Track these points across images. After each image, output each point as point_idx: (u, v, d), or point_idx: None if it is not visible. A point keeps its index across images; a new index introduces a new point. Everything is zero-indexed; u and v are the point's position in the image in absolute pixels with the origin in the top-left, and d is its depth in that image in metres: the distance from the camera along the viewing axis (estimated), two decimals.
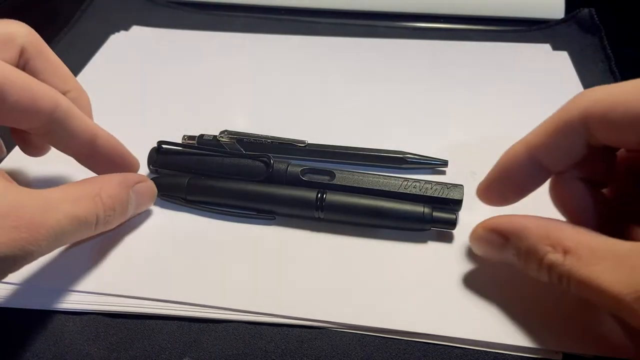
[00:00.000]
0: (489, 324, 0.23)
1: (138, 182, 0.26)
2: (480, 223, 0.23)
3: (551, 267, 0.20)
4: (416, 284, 0.25)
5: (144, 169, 0.30)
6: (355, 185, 0.28)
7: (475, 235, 0.24)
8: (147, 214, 0.29)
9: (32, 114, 0.23)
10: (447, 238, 0.27)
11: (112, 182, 0.25)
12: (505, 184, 0.23)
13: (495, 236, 0.22)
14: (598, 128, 0.19)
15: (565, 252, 0.19)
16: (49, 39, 0.43)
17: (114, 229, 0.26)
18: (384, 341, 0.23)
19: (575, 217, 0.23)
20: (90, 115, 0.29)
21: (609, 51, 0.41)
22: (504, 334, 0.22)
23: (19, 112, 0.23)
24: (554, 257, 0.20)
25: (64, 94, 0.26)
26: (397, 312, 0.24)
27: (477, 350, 0.22)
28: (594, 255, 0.19)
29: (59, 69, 0.27)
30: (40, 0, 0.51)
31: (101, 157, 0.27)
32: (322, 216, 0.27)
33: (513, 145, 0.22)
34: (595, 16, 0.44)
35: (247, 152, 0.30)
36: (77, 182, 0.24)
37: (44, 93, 0.23)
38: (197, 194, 0.29)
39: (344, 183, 0.28)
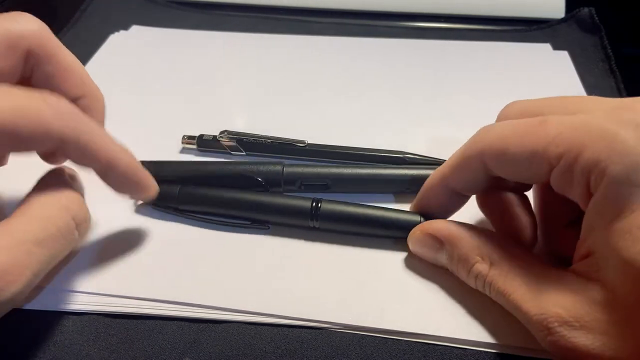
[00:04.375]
0: (489, 325, 0.23)
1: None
2: (420, 225, 0.25)
3: (477, 276, 0.22)
4: (416, 285, 0.25)
5: None
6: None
7: (414, 237, 0.25)
8: (144, 216, 0.28)
9: (41, 144, 0.21)
10: None
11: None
12: (430, 206, 0.26)
13: (432, 240, 0.24)
14: (493, 166, 0.22)
15: (491, 264, 0.22)
16: None
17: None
18: (384, 342, 0.23)
19: (499, 225, 0.25)
20: (102, 122, 0.27)
21: (609, 51, 0.41)
22: (504, 335, 0.22)
23: (30, 144, 0.21)
24: (481, 267, 0.22)
25: (76, 100, 0.25)
26: (396, 313, 0.23)
27: (477, 350, 0.22)
28: (512, 271, 0.21)
29: (71, 73, 0.25)
30: (40, 0, 0.50)
31: (114, 181, 0.24)
32: (317, 225, 0.27)
33: (432, 174, 0.25)
34: (595, 16, 0.44)
35: (239, 165, 0.29)
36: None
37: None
38: (190, 204, 0.28)
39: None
